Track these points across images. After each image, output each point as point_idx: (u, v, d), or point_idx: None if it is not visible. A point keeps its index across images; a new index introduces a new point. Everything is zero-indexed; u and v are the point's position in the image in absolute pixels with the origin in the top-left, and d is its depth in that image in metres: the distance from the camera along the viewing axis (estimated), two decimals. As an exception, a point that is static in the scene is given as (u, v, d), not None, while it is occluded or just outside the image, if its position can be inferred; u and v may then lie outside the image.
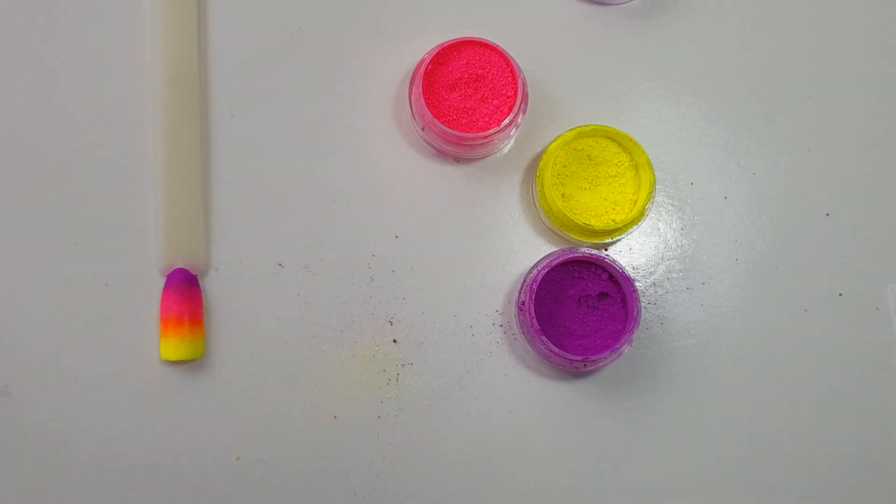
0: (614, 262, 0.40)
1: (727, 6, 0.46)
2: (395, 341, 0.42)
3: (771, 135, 0.45)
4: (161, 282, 0.41)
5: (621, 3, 0.46)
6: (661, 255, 0.44)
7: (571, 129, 0.42)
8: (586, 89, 0.45)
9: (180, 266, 0.41)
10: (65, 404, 0.40)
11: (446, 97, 0.42)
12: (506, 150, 0.44)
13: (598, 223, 0.42)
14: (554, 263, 0.40)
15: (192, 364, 0.41)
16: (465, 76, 0.42)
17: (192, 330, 0.40)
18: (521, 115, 0.42)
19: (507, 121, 0.41)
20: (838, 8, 0.47)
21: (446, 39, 0.42)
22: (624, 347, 0.40)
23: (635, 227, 0.42)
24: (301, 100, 0.43)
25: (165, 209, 0.41)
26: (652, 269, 0.43)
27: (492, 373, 0.42)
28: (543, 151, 0.43)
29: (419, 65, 0.42)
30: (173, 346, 0.39)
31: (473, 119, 0.42)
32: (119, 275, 0.41)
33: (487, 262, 0.43)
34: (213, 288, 0.42)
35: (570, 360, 0.39)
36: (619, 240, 0.43)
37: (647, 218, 0.43)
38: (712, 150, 0.45)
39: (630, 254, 0.44)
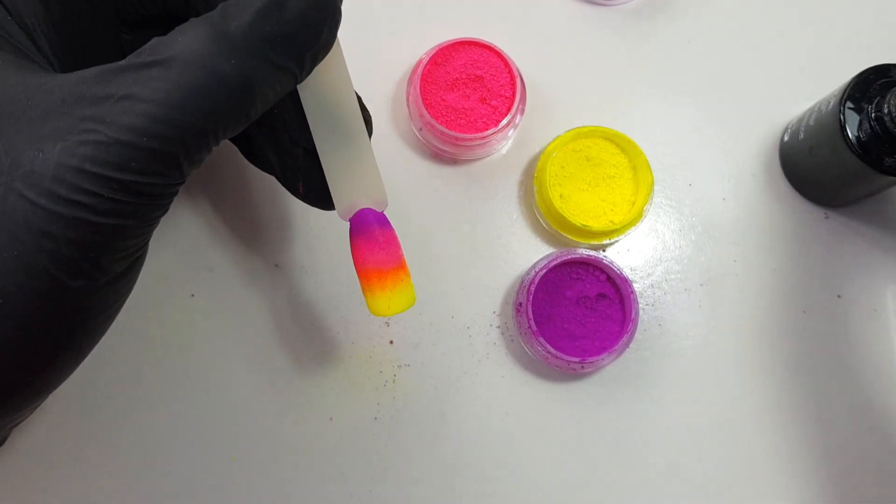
0: (612, 263, 0.40)
1: (726, 7, 0.46)
2: (391, 343, 0.41)
3: (770, 135, 0.45)
4: None
5: (620, 4, 0.46)
6: (659, 256, 0.43)
7: (569, 130, 0.42)
8: (584, 90, 0.45)
9: (365, 206, 0.32)
10: (55, 402, 0.40)
11: (444, 97, 0.42)
12: (504, 151, 0.44)
13: (596, 224, 0.41)
14: (552, 265, 0.40)
15: (185, 364, 0.41)
16: (464, 76, 0.42)
17: (398, 276, 0.32)
18: (519, 116, 0.42)
19: (504, 121, 0.41)
20: (838, 8, 0.47)
21: (445, 39, 0.42)
22: (622, 349, 0.40)
23: (633, 228, 0.42)
24: (298, 100, 0.43)
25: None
26: (650, 271, 0.43)
27: (489, 374, 0.41)
28: (541, 152, 0.43)
29: (417, 65, 0.42)
30: (385, 300, 0.32)
31: (471, 120, 0.42)
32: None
33: (485, 263, 0.43)
34: (209, 288, 0.41)
35: (567, 361, 0.39)
36: (617, 241, 0.43)
37: (646, 219, 0.43)
38: (711, 151, 0.45)
39: (628, 255, 0.43)
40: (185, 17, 0.30)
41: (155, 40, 0.24)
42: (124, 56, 0.31)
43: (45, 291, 0.23)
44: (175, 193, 0.26)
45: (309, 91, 0.30)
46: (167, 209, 0.26)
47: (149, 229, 0.26)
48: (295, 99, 0.31)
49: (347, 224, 0.33)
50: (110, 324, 0.28)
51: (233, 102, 0.24)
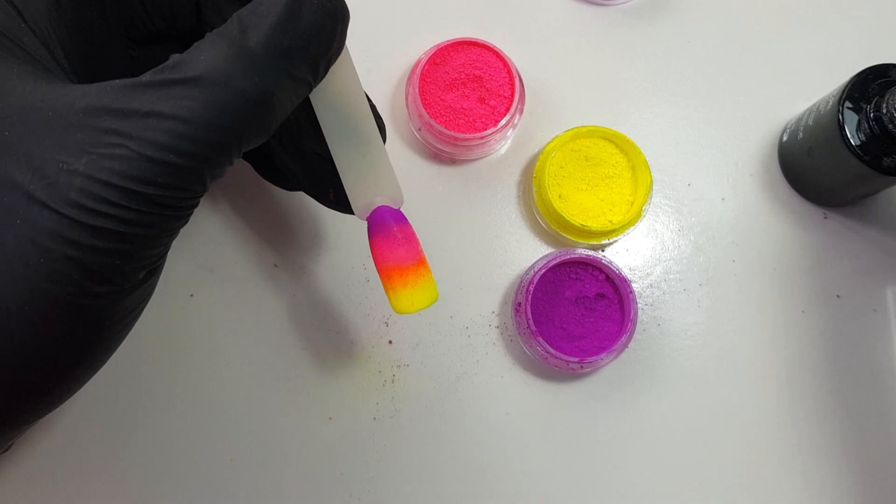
0: (611, 263, 0.40)
1: (724, 7, 0.46)
2: (390, 342, 0.41)
3: (769, 135, 0.45)
4: None
5: (619, 4, 0.46)
6: (658, 256, 0.43)
7: (568, 130, 0.42)
8: (583, 90, 0.45)
9: (382, 204, 0.32)
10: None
11: (443, 97, 0.42)
12: (503, 151, 0.44)
13: (595, 224, 0.41)
14: (551, 264, 0.40)
15: (184, 364, 0.41)
16: (463, 76, 0.42)
17: (419, 271, 0.32)
18: (517, 116, 0.42)
19: (503, 121, 0.41)
20: (837, 8, 0.47)
21: (443, 39, 0.42)
22: (621, 349, 0.40)
23: (632, 228, 0.42)
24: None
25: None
26: (649, 271, 0.43)
27: (488, 374, 0.41)
28: (540, 152, 0.43)
29: (416, 65, 0.42)
30: (408, 297, 0.31)
31: (470, 120, 0.42)
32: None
33: (484, 263, 0.43)
34: (208, 288, 0.41)
35: (566, 361, 0.39)
36: (616, 241, 0.43)
37: (645, 219, 0.43)
38: (710, 151, 0.45)
39: (627, 255, 0.43)
40: (196, 31, 0.31)
41: (176, 57, 0.25)
42: (132, 70, 0.31)
43: (70, 297, 0.24)
44: (197, 204, 0.26)
45: (319, 95, 0.30)
46: (188, 219, 0.27)
47: (171, 238, 0.27)
48: (305, 111, 0.31)
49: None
50: (130, 329, 0.28)
51: (255, 117, 0.25)
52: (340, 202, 0.32)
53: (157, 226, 0.25)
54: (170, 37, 0.32)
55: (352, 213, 0.33)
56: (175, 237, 0.27)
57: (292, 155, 0.32)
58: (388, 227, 0.31)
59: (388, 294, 0.31)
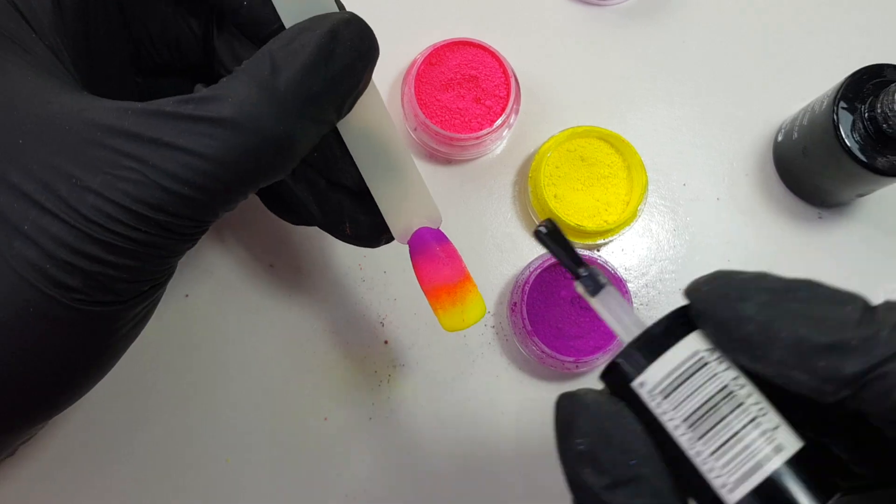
0: (607, 263, 0.40)
1: (720, 8, 0.47)
2: (386, 343, 0.41)
3: (764, 135, 0.45)
4: None
5: (615, 4, 0.46)
6: (653, 256, 0.43)
7: (564, 130, 0.42)
8: (579, 90, 0.45)
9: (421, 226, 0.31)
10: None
11: (439, 98, 0.42)
12: (498, 151, 0.44)
13: (590, 224, 0.41)
14: (546, 264, 0.40)
15: (179, 366, 0.41)
16: (458, 76, 0.42)
17: (466, 287, 0.32)
18: (513, 116, 0.42)
19: (499, 121, 0.41)
20: (832, 8, 0.47)
21: (439, 39, 0.42)
22: (616, 349, 0.40)
23: (628, 227, 0.42)
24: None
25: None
26: (644, 270, 0.43)
27: (484, 374, 0.41)
28: (536, 152, 0.43)
29: (412, 65, 0.42)
30: (459, 314, 0.32)
31: (466, 120, 0.42)
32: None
33: (480, 263, 0.43)
34: (203, 288, 0.41)
35: (562, 361, 0.39)
36: (611, 241, 0.43)
37: (640, 219, 0.43)
38: (705, 151, 0.45)
39: (622, 255, 0.43)
40: (204, 66, 0.31)
41: (203, 92, 0.24)
42: (136, 97, 0.31)
43: (74, 303, 0.24)
44: (206, 230, 0.26)
45: (347, 126, 0.29)
46: (196, 242, 0.27)
47: (177, 258, 0.27)
48: (329, 143, 0.30)
49: None
50: (134, 338, 0.28)
51: (276, 159, 0.25)
52: (358, 236, 0.32)
53: (165, 247, 0.25)
54: (176, 71, 0.32)
55: (371, 245, 0.32)
56: (182, 257, 0.27)
57: (306, 191, 0.31)
58: (430, 248, 0.31)
59: (437, 313, 0.31)
